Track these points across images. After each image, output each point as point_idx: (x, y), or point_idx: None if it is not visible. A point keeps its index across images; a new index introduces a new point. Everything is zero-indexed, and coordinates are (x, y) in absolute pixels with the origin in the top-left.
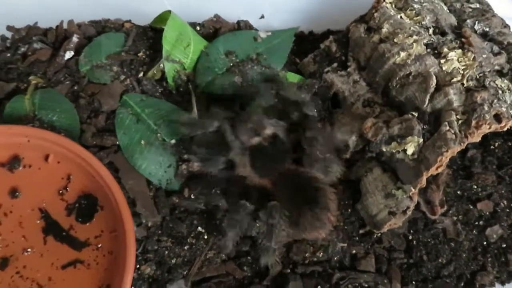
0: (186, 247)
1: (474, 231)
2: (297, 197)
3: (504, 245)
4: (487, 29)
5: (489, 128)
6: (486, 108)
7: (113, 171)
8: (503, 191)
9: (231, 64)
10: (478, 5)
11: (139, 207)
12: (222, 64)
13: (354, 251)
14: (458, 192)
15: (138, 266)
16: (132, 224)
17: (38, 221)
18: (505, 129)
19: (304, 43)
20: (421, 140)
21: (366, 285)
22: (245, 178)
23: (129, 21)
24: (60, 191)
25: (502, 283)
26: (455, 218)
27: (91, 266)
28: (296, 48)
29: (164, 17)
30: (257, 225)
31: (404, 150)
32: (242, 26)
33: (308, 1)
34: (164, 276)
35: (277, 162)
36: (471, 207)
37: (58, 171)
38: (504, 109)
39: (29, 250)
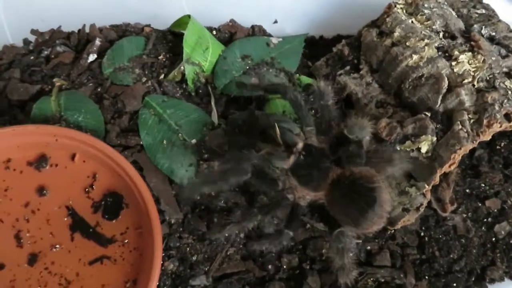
0: (206, 244)
1: (483, 228)
2: (355, 201)
3: None
4: (494, 34)
5: (500, 126)
6: (497, 108)
7: (138, 169)
8: (510, 189)
9: (247, 67)
10: (484, 11)
11: (163, 205)
12: (239, 67)
13: (368, 247)
14: (467, 191)
15: (161, 262)
16: (158, 221)
17: (65, 218)
18: None
19: (315, 48)
20: (434, 138)
21: (383, 280)
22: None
23: (149, 25)
24: (86, 189)
25: (511, 278)
26: (464, 215)
27: (117, 262)
28: (307, 52)
29: (183, 21)
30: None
31: (418, 149)
32: (256, 31)
33: (319, 7)
34: (187, 272)
35: (323, 171)
36: (480, 204)
37: (84, 170)
38: None
39: (57, 246)
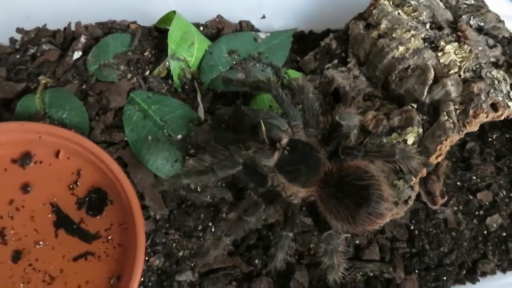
0: (193, 240)
1: (475, 221)
2: (348, 198)
3: (504, 234)
4: (482, 24)
5: (486, 117)
6: (483, 97)
7: (122, 166)
8: (501, 182)
9: (234, 62)
10: (473, 1)
11: (148, 201)
12: (226, 62)
13: (357, 242)
14: (458, 183)
15: (147, 258)
16: (142, 217)
17: (50, 215)
18: (502, 118)
19: (305, 42)
20: (420, 130)
21: (372, 274)
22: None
23: (135, 22)
24: (71, 186)
25: (503, 271)
26: (455, 208)
27: (101, 258)
28: (296, 47)
29: (169, 17)
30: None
31: (405, 140)
32: (244, 26)
33: (308, 1)
34: (173, 267)
35: (313, 166)
36: (471, 197)
37: (68, 166)
38: (500, 98)
39: (41, 243)
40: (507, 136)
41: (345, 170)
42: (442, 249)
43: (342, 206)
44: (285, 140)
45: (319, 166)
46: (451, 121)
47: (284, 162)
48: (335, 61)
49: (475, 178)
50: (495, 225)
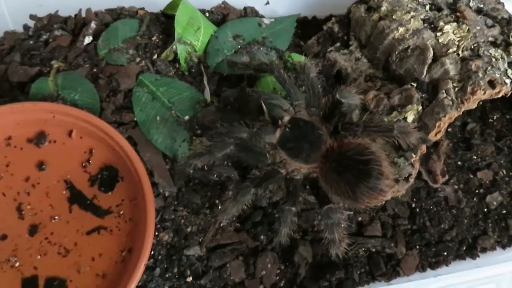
0: (200, 216)
1: (475, 199)
2: (349, 172)
3: (504, 211)
4: (482, 6)
5: (484, 93)
6: (480, 75)
7: (132, 145)
8: (502, 161)
9: (239, 46)
10: None
11: (157, 178)
12: (231, 46)
13: (359, 219)
14: (459, 163)
15: (156, 233)
16: (151, 192)
17: (64, 192)
18: (499, 95)
19: (308, 28)
20: (420, 108)
21: (374, 250)
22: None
23: (143, 8)
24: (83, 164)
25: (503, 247)
26: (456, 186)
27: (113, 232)
28: (300, 32)
29: (176, 3)
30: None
31: (405, 118)
32: (248, 12)
33: None
34: (181, 242)
35: (314, 143)
36: (471, 176)
37: (81, 145)
38: (497, 76)
39: (56, 218)
40: (508, 117)
41: (346, 146)
42: (442, 226)
43: (342, 180)
44: (286, 118)
45: (320, 143)
46: (449, 98)
47: (286, 139)
48: (337, 44)
49: (475, 157)
50: (495, 203)
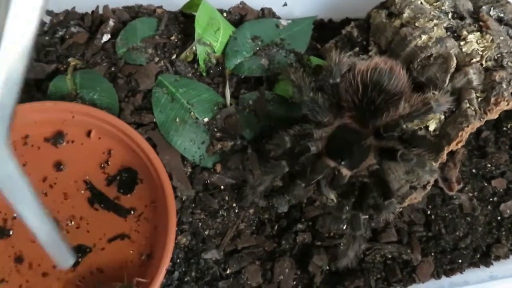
0: (218, 220)
1: (489, 207)
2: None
3: None
4: (502, 15)
5: (507, 104)
6: (504, 86)
7: (151, 146)
8: None
9: (257, 48)
10: None
11: (175, 181)
12: (250, 48)
13: (373, 224)
14: (473, 171)
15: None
16: (173, 196)
17: (83, 192)
18: None
19: (324, 31)
20: (442, 117)
21: (390, 256)
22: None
23: (161, 7)
24: (102, 165)
25: None
26: (471, 194)
27: (132, 236)
28: (316, 35)
29: (194, 3)
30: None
31: (426, 127)
32: (266, 13)
33: None
34: (199, 246)
35: (359, 156)
36: (486, 184)
37: (99, 146)
38: None
39: (74, 218)
40: None
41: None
42: (457, 233)
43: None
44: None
45: (364, 160)
46: (472, 108)
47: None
48: (356, 49)
49: (490, 165)
50: (508, 211)
